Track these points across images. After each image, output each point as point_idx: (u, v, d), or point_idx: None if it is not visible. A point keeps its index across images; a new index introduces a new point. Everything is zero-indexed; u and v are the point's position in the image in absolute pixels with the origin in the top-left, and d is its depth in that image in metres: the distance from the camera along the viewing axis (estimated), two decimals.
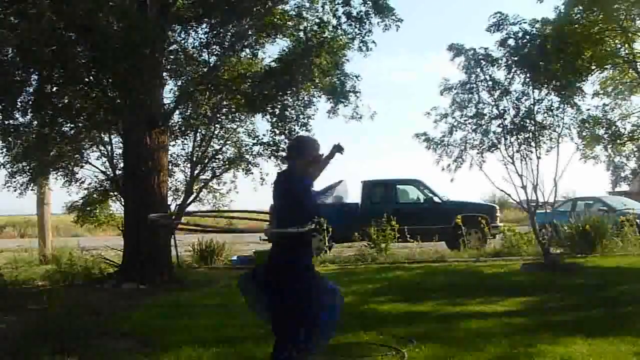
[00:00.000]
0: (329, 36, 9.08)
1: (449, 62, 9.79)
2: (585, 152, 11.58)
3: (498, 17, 9.45)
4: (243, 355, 4.38)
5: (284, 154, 8.72)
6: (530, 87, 9.52)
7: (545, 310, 5.77)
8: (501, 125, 9.65)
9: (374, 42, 9.03)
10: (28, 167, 9.51)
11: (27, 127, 8.91)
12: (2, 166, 9.32)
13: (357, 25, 8.82)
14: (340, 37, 9.17)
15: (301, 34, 9.32)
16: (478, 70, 9.61)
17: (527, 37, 9.36)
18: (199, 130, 9.81)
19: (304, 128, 9.54)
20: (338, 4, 8.95)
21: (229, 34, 8.89)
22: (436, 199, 13.05)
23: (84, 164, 9.98)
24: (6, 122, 8.50)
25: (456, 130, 9.98)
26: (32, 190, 10.34)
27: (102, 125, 9.10)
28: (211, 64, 8.96)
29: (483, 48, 9.60)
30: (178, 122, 9.97)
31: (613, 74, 12.08)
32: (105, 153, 9.75)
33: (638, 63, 10.52)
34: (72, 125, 9.22)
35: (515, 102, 9.59)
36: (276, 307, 3.35)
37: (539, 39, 9.34)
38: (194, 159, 9.74)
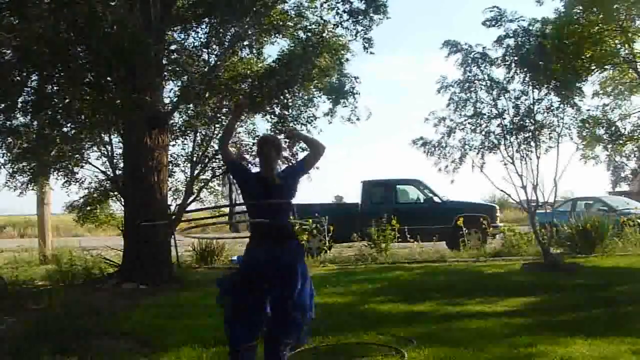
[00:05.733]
0: (329, 35, 9.07)
1: (444, 60, 9.64)
2: (585, 152, 11.58)
3: (496, 11, 9.28)
4: None
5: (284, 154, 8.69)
6: (530, 87, 9.46)
7: (545, 310, 5.76)
8: (500, 125, 9.62)
9: (370, 39, 9.02)
10: (28, 167, 9.50)
11: (27, 128, 8.92)
12: (2, 166, 9.33)
13: (358, 20, 8.76)
14: (341, 37, 9.17)
15: (301, 33, 9.32)
16: (475, 68, 9.50)
17: (526, 35, 9.27)
18: (199, 130, 9.81)
19: (306, 127, 9.53)
20: (338, 1, 8.94)
21: (229, 34, 8.89)
22: (436, 199, 13.04)
23: (84, 164, 9.98)
24: (7, 123, 8.51)
25: (454, 132, 9.91)
26: (32, 190, 10.34)
27: (102, 125, 9.10)
28: (211, 64, 8.96)
29: (480, 46, 9.48)
30: (178, 122, 9.98)
31: (613, 74, 12.08)
32: (105, 153, 9.74)
33: (638, 63, 10.51)
34: (72, 126, 9.22)
35: (515, 101, 9.54)
36: (281, 307, 3.39)
37: (539, 39, 9.30)
38: (194, 159, 9.74)
